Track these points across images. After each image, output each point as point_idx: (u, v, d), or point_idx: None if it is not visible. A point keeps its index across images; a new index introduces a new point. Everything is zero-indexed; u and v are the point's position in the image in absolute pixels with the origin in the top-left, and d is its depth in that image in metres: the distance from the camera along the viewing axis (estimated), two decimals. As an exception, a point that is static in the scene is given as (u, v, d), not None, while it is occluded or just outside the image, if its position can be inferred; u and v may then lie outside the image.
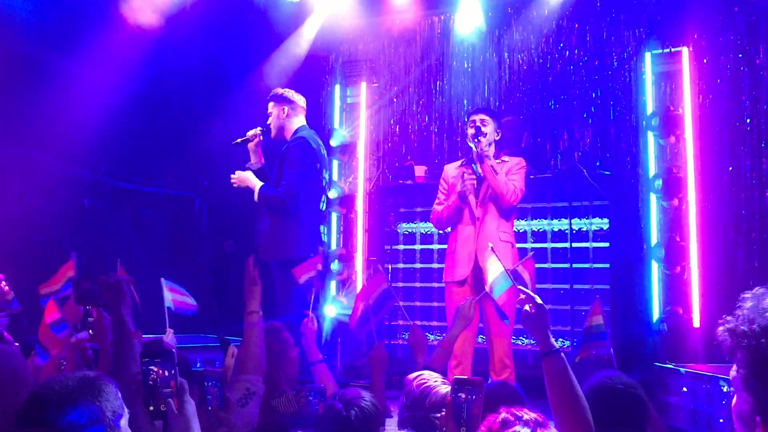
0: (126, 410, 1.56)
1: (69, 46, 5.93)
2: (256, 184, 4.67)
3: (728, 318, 1.54)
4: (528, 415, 1.56)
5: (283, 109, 4.83)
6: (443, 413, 1.99)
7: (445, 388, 2.32)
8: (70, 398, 1.46)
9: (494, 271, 3.25)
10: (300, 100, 4.92)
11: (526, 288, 2.43)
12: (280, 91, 4.92)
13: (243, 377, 2.37)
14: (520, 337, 5.86)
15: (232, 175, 4.75)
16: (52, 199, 6.13)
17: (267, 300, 3.47)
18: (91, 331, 2.97)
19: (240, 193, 4.94)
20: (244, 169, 4.81)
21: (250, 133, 4.88)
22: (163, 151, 7.01)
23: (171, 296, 4.37)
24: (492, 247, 3.29)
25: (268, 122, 4.91)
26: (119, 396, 1.55)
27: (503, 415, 1.57)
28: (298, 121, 4.87)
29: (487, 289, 3.21)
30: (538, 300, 2.20)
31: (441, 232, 5.93)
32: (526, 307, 2.19)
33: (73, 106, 5.76)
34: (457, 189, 4.54)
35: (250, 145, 4.89)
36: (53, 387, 1.48)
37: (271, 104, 4.90)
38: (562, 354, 2.09)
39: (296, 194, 4.56)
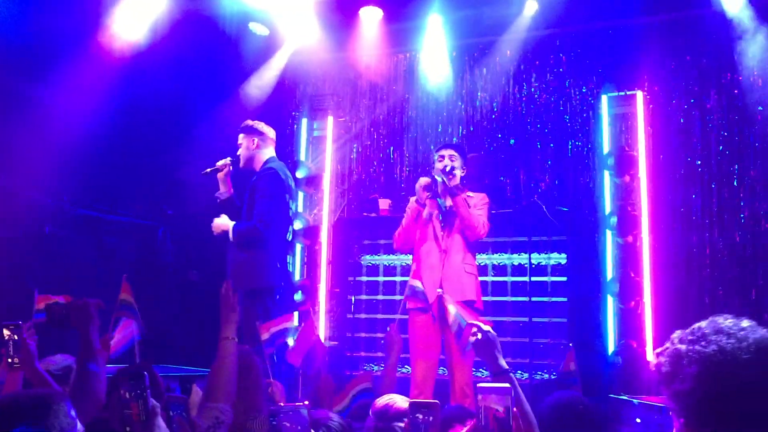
0: (80, 426, 1.64)
1: (35, 74, 5.93)
2: (229, 224, 4.75)
3: (664, 347, 1.58)
4: None
5: (253, 140, 4.92)
6: (406, 421, 2.08)
7: (405, 403, 2.44)
8: (17, 416, 1.56)
9: (451, 312, 3.50)
10: (270, 132, 5.02)
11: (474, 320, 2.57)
12: (250, 122, 5.02)
13: (213, 405, 2.41)
14: (480, 369, 5.95)
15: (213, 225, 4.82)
16: (14, 226, 6.07)
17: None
18: (14, 360, 2.96)
19: (204, 224, 5.00)
20: (213, 199, 4.88)
21: (219, 163, 4.96)
22: (128, 179, 6.99)
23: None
24: (441, 293, 3.51)
25: (237, 153, 5.00)
26: (70, 414, 1.63)
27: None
28: (268, 152, 4.96)
29: (453, 329, 3.43)
30: (485, 327, 2.33)
31: (403, 260, 6.02)
32: (478, 335, 2.32)
33: (37, 133, 5.74)
34: (417, 194, 4.69)
35: (220, 175, 4.96)
36: (8, 401, 1.61)
37: (241, 135, 4.99)
38: (512, 374, 2.21)
39: (269, 222, 4.62)
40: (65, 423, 1.60)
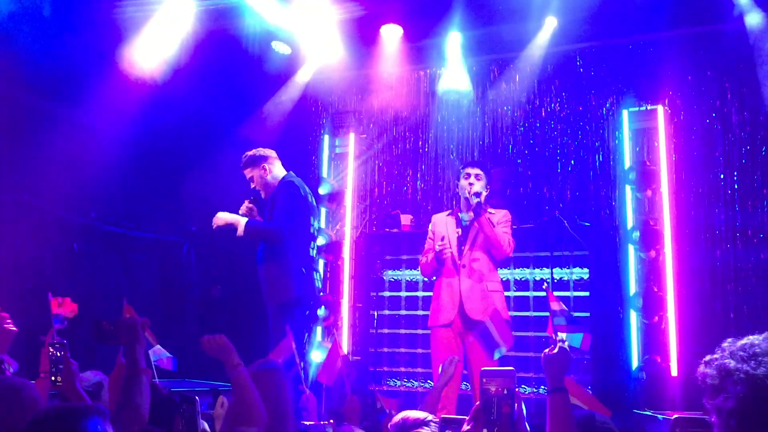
0: None
1: (64, 94, 6.07)
2: (239, 219, 4.64)
3: (713, 356, 1.55)
4: None
5: (263, 167, 4.84)
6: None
7: (422, 414, 2.47)
8: (54, 428, 1.66)
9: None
10: (271, 152, 4.92)
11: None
12: (249, 153, 4.89)
13: (244, 429, 2.44)
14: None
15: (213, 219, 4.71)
16: (43, 243, 6.19)
17: (263, 342, 3.58)
18: (57, 378, 3.05)
19: (229, 240, 4.98)
20: None
21: (242, 210, 4.79)
22: (153, 196, 7.11)
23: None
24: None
25: (252, 187, 4.91)
26: (103, 428, 1.69)
27: None
28: (280, 171, 4.89)
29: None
30: (563, 343, 2.30)
31: (427, 280, 6.06)
32: (546, 350, 2.30)
33: (66, 152, 5.87)
34: (436, 249, 4.66)
35: None
36: (44, 413, 1.71)
37: (248, 170, 4.87)
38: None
39: (289, 226, 4.55)
40: None
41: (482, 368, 1.89)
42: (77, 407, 1.78)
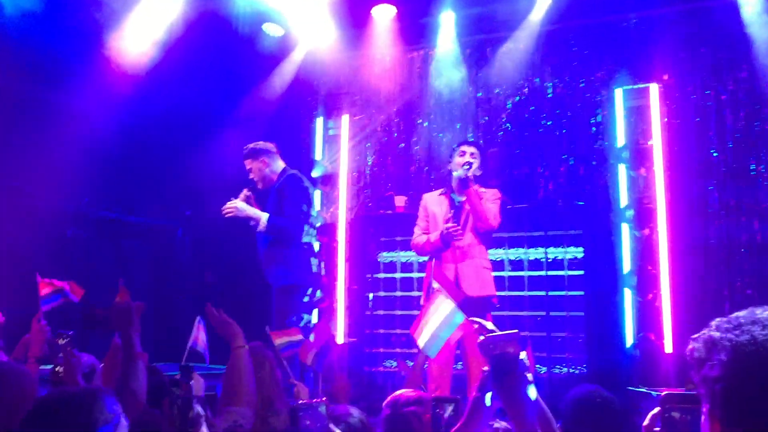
0: (124, 421, 1.71)
1: (54, 79, 6.03)
2: (261, 214, 4.82)
3: (701, 333, 1.55)
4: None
5: (263, 160, 5.02)
6: (421, 410, 2.10)
7: (414, 392, 2.49)
8: (63, 411, 1.67)
9: (445, 308, 3.45)
10: (271, 145, 5.10)
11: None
12: (251, 146, 5.08)
13: (233, 409, 2.45)
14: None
15: (226, 205, 4.83)
16: (36, 229, 6.17)
17: (257, 326, 3.59)
18: (58, 368, 3.05)
19: (222, 225, 5.05)
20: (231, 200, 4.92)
21: (240, 197, 4.96)
22: (146, 181, 7.09)
23: (201, 336, 4.51)
24: (438, 288, 3.47)
25: (250, 177, 5.06)
26: (112, 407, 1.71)
27: None
28: (280, 163, 5.08)
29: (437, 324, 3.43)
30: (490, 326, 2.30)
31: (420, 257, 6.07)
32: (482, 337, 2.30)
33: (58, 137, 5.84)
34: (443, 232, 4.66)
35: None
36: (54, 396, 1.71)
37: (248, 161, 5.05)
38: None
39: (302, 220, 4.83)
40: (108, 416, 1.69)
41: (487, 334, 1.89)
42: (94, 388, 1.79)
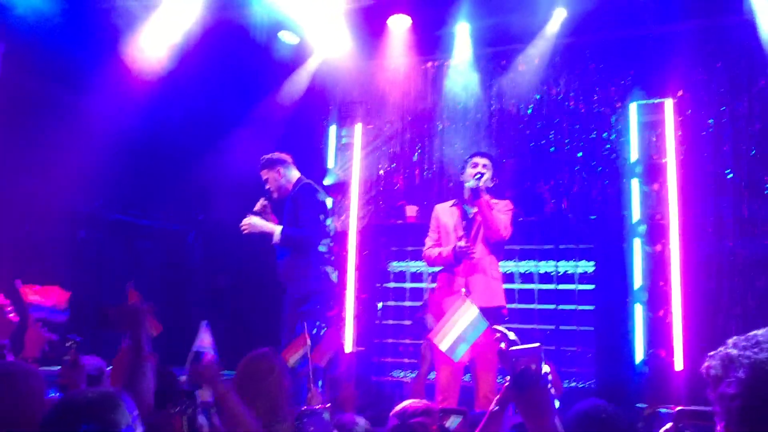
0: (140, 426, 1.71)
1: (71, 81, 6.09)
2: (275, 228, 4.91)
3: (718, 350, 1.55)
4: None
5: (278, 170, 5.08)
6: (429, 421, 2.10)
7: (422, 403, 2.49)
8: (85, 413, 1.64)
9: (471, 313, 3.47)
10: (287, 156, 5.17)
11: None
12: (267, 156, 5.15)
13: None
14: (507, 377, 5.95)
15: (243, 222, 4.93)
16: (49, 230, 6.22)
17: (269, 330, 3.59)
18: (64, 375, 3.06)
19: (233, 229, 5.10)
20: (243, 205, 5.00)
21: (257, 208, 5.08)
22: (160, 185, 7.13)
23: (207, 339, 4.53)
24: (464, 292, 3.47)
25: (266, 188, 5.13)
26: (131, 412, 1.70)
27: None
28: (295, 173, 5.14)
29: (462, 329, 3.41)
30: (512, 336, 2.29)
31: (430, 267, 6.07)
32: (503, 345, 2.29)
33: (73, 139, 5.89)
34: (456, 249, 4.66)
35: (263, 217, 5.10)
36: (76, 398, 1.68)
37: (264, 171, 5.13)
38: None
39: (318, 230, 4.86)
40: (128, 418, 1.68)
41: (510, 348, 1.90)
42: (114, 390, 1.79)
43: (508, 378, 1.81)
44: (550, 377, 1.77)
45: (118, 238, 7.03)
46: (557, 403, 1.76)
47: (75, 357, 3.01)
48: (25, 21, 5.45)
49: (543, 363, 1.79)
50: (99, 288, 6.29)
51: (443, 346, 3.65)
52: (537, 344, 1.83)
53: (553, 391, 1.78)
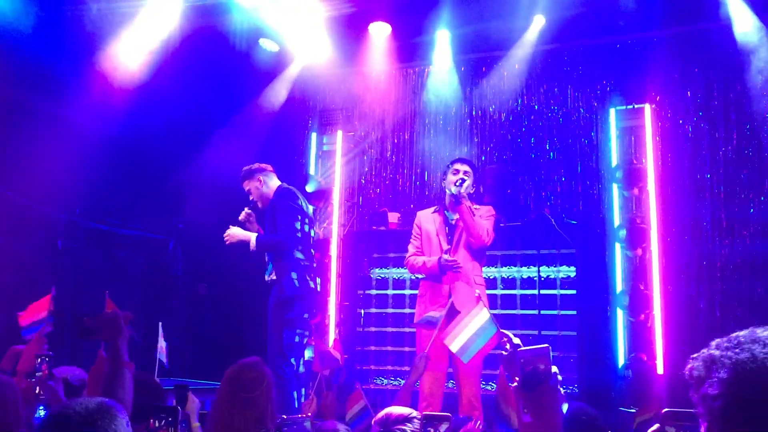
0: None
1: (50, 90, 6.03)
2: (250, 235, 4.89)
3: (702, 351, 1.56)
4: None
5: (259, 179, 5.05)
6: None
7: (405, 410, 2.47)
8: (89, 419, 1.60)
9: (482, 317, 3.52)
10: (265, 165, 5.15)
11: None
12: (246, 167, 5.13)
13: None
14: (490, 383, 5.95)
15: (225, 233, 4.93)
16: (27, 239, 6.15)
17: (250, 338, 3.57)
18: (39, 389, 3.02)
19: (213, 238, 5.08)
20: (223, 213, 4.98)
21: (241, 217, 5.05)
22: (139, 193, 7.07)
23: (161, 343, 4.51)
24: (479, 294, 3.50)
25: (250, 198, 5.11)
26: (127, 421, 1.67)
27: None
28: (275, 181, 5.12)
29: (473, 332, 3.45)
30: (516, 341, 2.31)
31: (414, 277, 6.06)
32: (507, 346, 2.30)
33: (51, 147, 5.83)
34: (442, 262, 4.67)
35: (247, 226, 5.09)
36: (74, 408, 1.62)
37: (245, 182, 5.11)
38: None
39: (292, 235, 4.81)
40: (126, 430, 1.65)
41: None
42: (110, 402, 1.75)
43: (516, 380, 1.82)
44: (559, 377, 1.77)
45: (96, 246, 6.95)
46: (566, 407, 1.77)
47: (49, 371, 2.96)
48: (1, 29, 5.40)
49: (552, 363, 1.79)
50: (78, 297, 6.21)
51: (454, 347, 3.71)
52: (545, 345, 1.83)
53: (562, 391, 1.78)
